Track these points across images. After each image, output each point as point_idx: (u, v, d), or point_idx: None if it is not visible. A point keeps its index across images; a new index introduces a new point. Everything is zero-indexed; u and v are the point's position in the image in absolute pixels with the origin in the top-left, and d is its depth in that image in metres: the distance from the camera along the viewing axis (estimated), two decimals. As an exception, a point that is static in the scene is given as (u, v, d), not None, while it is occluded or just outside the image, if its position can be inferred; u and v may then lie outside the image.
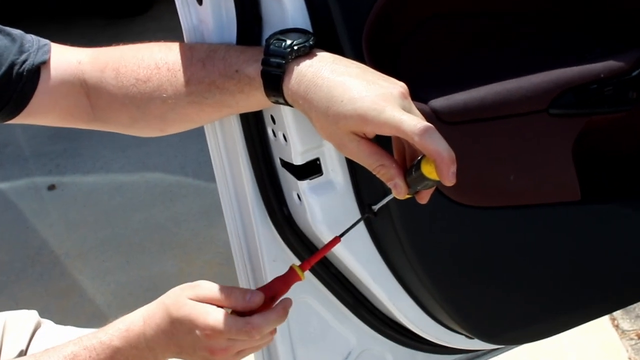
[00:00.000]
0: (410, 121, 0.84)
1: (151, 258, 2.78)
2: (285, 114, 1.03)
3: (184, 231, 2.90)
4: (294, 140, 1.04)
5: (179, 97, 1.01)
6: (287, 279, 0.98)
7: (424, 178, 0.86)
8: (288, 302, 0.97)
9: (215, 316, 0.93)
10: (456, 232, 1.13)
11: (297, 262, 1.12)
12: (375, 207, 1.02)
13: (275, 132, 1.08)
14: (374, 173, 0.90)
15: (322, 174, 1.08)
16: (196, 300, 0.95)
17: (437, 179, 0.85)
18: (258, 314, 0.94)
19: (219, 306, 0.95)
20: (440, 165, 0.84)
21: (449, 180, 0.84)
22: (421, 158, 0.87)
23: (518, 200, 1.14)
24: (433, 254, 1.14)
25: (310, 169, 1.07)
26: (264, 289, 0.98)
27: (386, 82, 0.89)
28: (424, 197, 0.92)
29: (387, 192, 0.95)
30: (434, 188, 0.91)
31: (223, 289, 0.95)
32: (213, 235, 2.85)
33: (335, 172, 1.09)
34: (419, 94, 1.04)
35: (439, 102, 1.06)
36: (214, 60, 0.98)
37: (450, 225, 1.12)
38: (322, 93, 0.89)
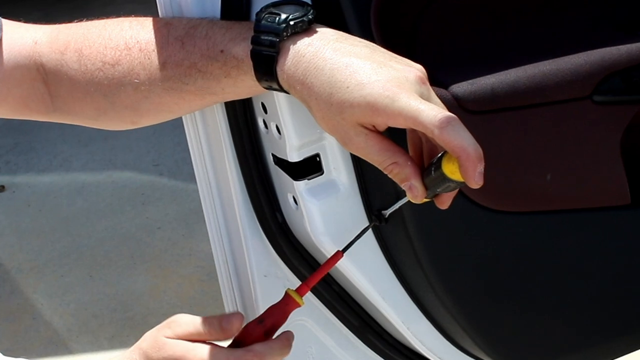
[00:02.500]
0: (429, 111, 0.84)
1: (119, 273, 2.78)
2: (279, 101, 1.02)
3: (158, 241, 2.90)
4: (289, 133, 1.04)
5: (154, 83, 1.01)
6: (283, 308, 0.98)
7: (445, 179, 0.86)
8: (290, 335, 0.98)
9: (201, 352, 0.94)
10: (483, 242, 1.14)
11: (293, 278, 1.12)
12: (386, 213, 1.02)
13: (267, 124, 1.08)
14: (385, 172, 0.90)
15: (322, 173, 1.08)
16: (176, 339, 0.96)
17: (461, 180, 0.85)
18: (260, 343, 0.95)
19: (201, 341, 0.95)
20: (465, 164, 0.84)
21: (476, 182, 0.84)
22: (442, 155, 0.86)
23: (556, 204, 1.14)
24: (455, 268, 1.14)
25: (309, 167, 1.07)
26: (258, 320, 0.98)
27: (400, 64, 0.89)
28: (444, 202, 0.91)
29: (401, 195, 0.95)
30: (456, 191, 0.90)
31: (204, 320, 0.96)
32: (192, 246, 2.85)
33: (338, 170, 1.09)
34: (438, 78, 1.05)
35: (461, 88, 1.06)
36: (195, 39, 0.98)
37: (476, 234, 1.13)
38: (323, 77, 0.88)
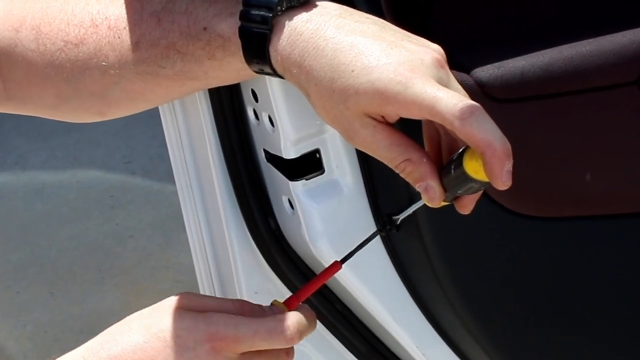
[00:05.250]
0: (448, 99, 0.84)
1: (85, 289, 2.78)
2: (272, 87, 1.03)
3: (130, 252, 2.90)
4: (284, 125, 1.04)
5: (125, 66, 1.00)
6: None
7: (467, 179, 0.86)
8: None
9: (234, 321, 0.93)
10: (510, 252, 1.14)
11: (288, 295, 1.12)
12: (398, 219, 1.02)
13: (258, 114, 1.08)
14: (396, 171, 0.89)
15: (323, 172, 1.08)
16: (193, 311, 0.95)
17: (486, 179, 0.85)
18: (290, 312, 0.95)
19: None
20: (491, 161, 0.83)
21: (503, 182, 0.84)
22: (463, 151, 0.86)
23: (597, 208, 1.14)
24: (477, 282, 1.14)
25: (307, 165, 1.07)
26: None
27: (414, 45, 0.89)
28: (466, 205, 0.91)
29: (415, 198, 0.95)
30: (480, 193, 0.90)
31: (212, 297, 0.97)
32: (170, 258, 2.85)
33: (341, 169, 1.09)
34: (458, 60, 1.05)
35: (486, 72, 1.06)
36: (173, 14, 0.97)
37: (502, 243, 1.13)
38: (324, 59, 0.88)
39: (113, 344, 0.97)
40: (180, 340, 0.94)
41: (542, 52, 1.08)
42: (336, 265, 0.96)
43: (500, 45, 1.10)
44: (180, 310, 0.95)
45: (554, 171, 1.12)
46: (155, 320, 0.96)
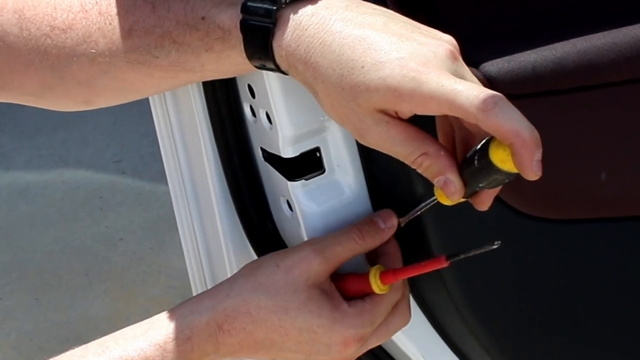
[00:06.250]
0: (468, 91, 0.84)
1: (72, 295, 2.78)
2: (270, 82, 1.02)
3: (120, 255, 2.90)
4: (282, 122, 1.04)
5: (115, 54, 1.00)
6: (362, 284, 1.02)
7: (492, 170, 0.86)
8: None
9: (369, 320, 1.02)
10: (521, 257, 1.14)
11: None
12: (402, 222, 1.03)
13: (255, 111, 1.08)
14: (413, 167, 0.90)
15: (323, 172, 1.08)
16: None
17: (513, 170, 0.85)
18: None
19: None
20: (521, 151, 0.84)
21: (534, 172, 0.84)
22: (488, 141, 0.86)
23: (614, 210, 1.14)
24: (487, 290, 1.14)
25: (307, 165, 1.07)
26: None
27: (425, 37, 0.89)
28: (484, 201, 0.92)
29: (420, 199, 0.95)
30: (498, 189, 0.91)
31: (337, 239, 1.03)
32: (162, 262, 2.85)
33: (343, 168, 1.09)
34: (466, 54, 1.03)
35: (496, 66, 1.06)
36: (169, 1, 0.97)
37: (513, 247, 1.12)
38: (332, 55, 0.88)
39: (248, 318, 1.01)
40: (315, 336, 1.00)
41: (554, 45, 1.08)
42: (442, 261, 0.98)
43: (509, 37, 1.10)
44: (318, 301, 1.00)
45: (566, 171, 1.12)
46: (292, 305, 1.01)
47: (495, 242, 0.96)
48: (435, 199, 0.95)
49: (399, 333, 1.16)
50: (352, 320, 1.00)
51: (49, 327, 2.67)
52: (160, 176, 1.20)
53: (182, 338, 1.01)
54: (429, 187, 0.95)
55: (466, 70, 0.90)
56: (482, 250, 0.96)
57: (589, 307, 1.18)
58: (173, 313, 1.03)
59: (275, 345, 1.01)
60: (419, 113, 0.87)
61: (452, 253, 0.97)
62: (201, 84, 1.09)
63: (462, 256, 0.97)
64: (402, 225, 1.04)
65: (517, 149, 0.84)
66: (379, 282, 1.01)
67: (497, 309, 1.16)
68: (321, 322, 0.99)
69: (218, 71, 1.00)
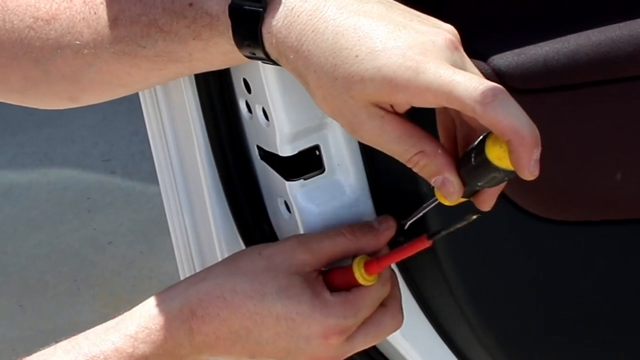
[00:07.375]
0: (467, 82, 0.84)
1: (58, 301, 2.78)
2: (266, 76, 1.02)
3: (109, 260, 2.90)
4: (279, 119, 1.04)
5: (101, 45, 1.00)
6: (347, 276, 1.02)
7: (489, 168, 0.86)
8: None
9: (352, 311, 1.01)
10: (532, 261, 1.14)
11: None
12: (406, 223, 1.03)
13: (251, 106, 1.08)
14: (409, 166, 0.90)
15: (323, 171, 1.08)
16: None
17: (511, 168, 0.85)
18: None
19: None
20: (518, 149, 0.84)
21: (530, 172, 0.84)
22: (485, 137, 0.86)
23: (628, 211, 1.14)
24: (496, 296, 1.14)
25: (306, 164, 1.07)
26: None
27: (424, 25, 0.89)
28: (486, 201, 0.92)
29: (425, 199, 0.95)
30: (501, 187, 0.91)
31: (326, 233, 1.03)
32: (153, 267, 2.85)
33: (343, 167, 1.09)
34: (473, 46, 1.04)
35: (505, 59, 1.07)
36: (156, -13, 0.98)
37: (523, 251, 1.13)
38: (324, 43, 0.88)
39: (222, 303, 1.01)
40: (293, 324, 1.00)
41: (567, 37, 1.08)
42: (424, 241, 0.98)
43: (519, 29, 1.10)
44: (298, 287, 1.00)
45: (580, 170, 1.12)
46: (270, 290, 1.00)
47: (475, 215, 0.95)
48: (437, 200, 0.95)
49: (400, 338, 1.17)
50: (332, 309, 0.99)
51: (33, 336, 2.67)
52: (151, 176, 1.20)
53: (154, 327, 1.00)
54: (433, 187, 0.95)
55: (467, 61, 0.89)
56: (463, 224, 0.96)
57: (607, 314, 1.18)
58: (147, 302, 1.03)
59: (251, 336, 1.01)
60: (415, 105, 0.87)
61: (433, 232, 0.98)
62: (194, 78, 1.10)
63: (444, 232, 0.97)
64: (406, 227, 1.03)
65: (514, 146, 0.84)
66: (362, 271, 1.00)
67: (507, 316, 1.16)
68: (300, 309, 0.99)
69: (206, 61, 1.00)
